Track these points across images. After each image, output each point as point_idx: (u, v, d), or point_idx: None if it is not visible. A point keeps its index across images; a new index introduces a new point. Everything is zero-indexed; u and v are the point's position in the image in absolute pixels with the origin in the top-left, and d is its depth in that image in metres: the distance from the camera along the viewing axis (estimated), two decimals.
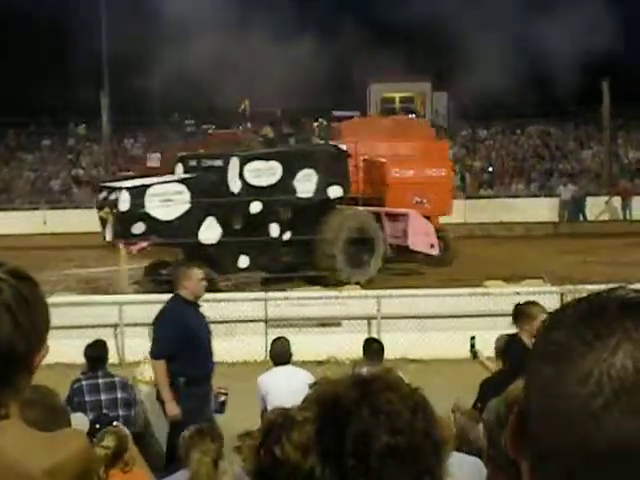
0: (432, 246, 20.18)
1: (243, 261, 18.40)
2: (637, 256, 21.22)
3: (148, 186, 17.64)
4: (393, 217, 20.38)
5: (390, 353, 10.48)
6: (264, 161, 18.58)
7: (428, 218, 20.70)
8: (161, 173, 25.00)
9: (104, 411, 7.60)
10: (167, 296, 14.16)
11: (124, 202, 17.05)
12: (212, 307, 13.81)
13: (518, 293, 13.99)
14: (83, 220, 29.38)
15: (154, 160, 26.25)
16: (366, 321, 13.84)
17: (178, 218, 17.47)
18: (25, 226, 30.73)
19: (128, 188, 17.48)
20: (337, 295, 14.48)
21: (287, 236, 18.81)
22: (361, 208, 20.21)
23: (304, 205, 18.84)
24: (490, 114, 40.39)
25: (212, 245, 18.02)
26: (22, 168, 39.50)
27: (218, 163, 18.56)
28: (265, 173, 18.40)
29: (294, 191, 18.74)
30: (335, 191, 19.33)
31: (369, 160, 21.16)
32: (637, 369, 1.02)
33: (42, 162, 40.16)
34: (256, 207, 18.22)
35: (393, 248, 20.38)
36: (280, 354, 8.67)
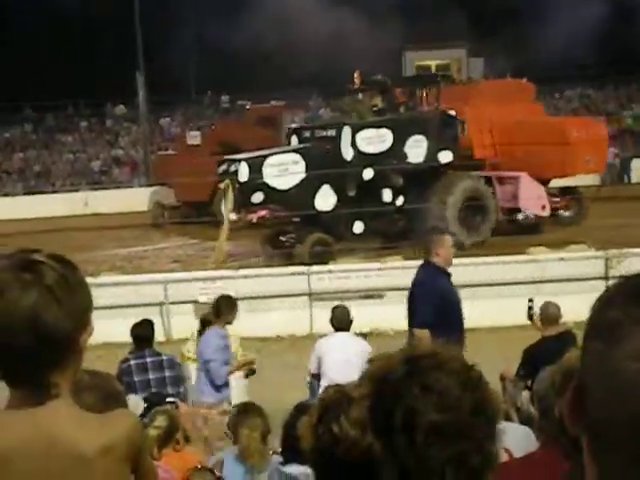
0: (544, 207, 20.42)
1: (358, 227, 18.97)
2: None
3: (266, 157, 18.42)
4: (504, 181, 20.51)
5: None
6: (375, 129, 19.15)
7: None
8: (203, 151, 25.21)
9: (153, 390, 7.66)
10: (217, 272, 14.33)
11: (243, 173, 17.85)
12: (257, 281, 13.95)
13: (563, 259, 13.92)
14: (124, 200, 29.67)
15: (194, 138, 26.32)
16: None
17: (295, 187, 18.31)
18: (66, 208, 30.97)
19: (247, 159, 18.31)
20: (380, 267, 14.44)
21: (400, 202, 19.29)
22: (474, 173, 20.33)
23: (415, 171, 19.24)
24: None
25: (327, 212, 18.78)
26: (61, 151, 39.80)
27: (331, 133, 19.21)
28: (376, 140, 18.93)
29: (405, 157, 19.20)
30: (446, 156, 19.58)
31: (532, 122, 20.94)
32: None
33: (81, 144, 40.44)
34: (368, 174, 18.76)
35: (505, 211, 20.64)
36: (340, 320, 8.80)
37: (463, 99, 20.87)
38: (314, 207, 18.67)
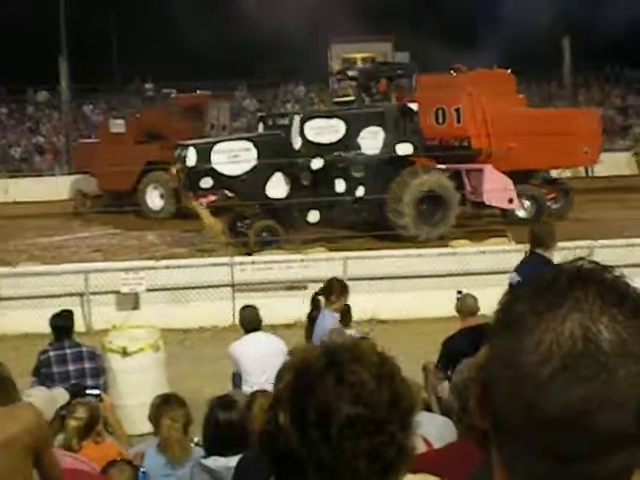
0: (511, 201, 19.96)
1: (313, 216, 18.92)
2: None
3: (215, 143, 18.97)
4: (470, 173, 20.23)
5: (358, 314, 10.54)
6: (326, 119, 19.07)
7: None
8: (127, 139, 24.91)
9: (72, 382, 7.57)
10: (137, 263, 14.18)
11: (191, 158, 18.37)
12: (179, 272, 13.86)
13: (484, 252, 14.13)
14: (45, 188, 29.15)
15: (117, 126, 25.97)
16: None
17: (246, 173, 18.49)
18: None
19: (195, 145, 18.79)
20: (303, 258, 14.47)
21: (359, 193, 19.16)
22: (441, 166, 20.05)
23: (371, 162, 19.10)
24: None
25: (281, 200, 18.85)
26: None
27: (285, 121, 19.31)
28: (327, 131, 18.78)
29: (359, 148, 19.02)
30: (405, 148, 19.35)
31: (535, 112, 21.04)
32: (586, 337, 1.07)
33: (1, 130, 39.59)
34: (317, 163, 18.62)
35: (476, 205, 20.53)
36: (250, 321, 8.68)
37: (456, 87, 20.68)
38: (266, 195, 18.79)
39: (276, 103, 40.41)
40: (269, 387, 5.95)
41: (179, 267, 14.11)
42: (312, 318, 8.72)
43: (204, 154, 18.37)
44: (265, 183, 18.68)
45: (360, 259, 14.26)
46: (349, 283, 13.49)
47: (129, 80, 41.80)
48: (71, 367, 7.87)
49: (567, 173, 24.65)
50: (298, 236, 18.62)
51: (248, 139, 19.36)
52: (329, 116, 19.36)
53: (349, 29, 37.63)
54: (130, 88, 41.48)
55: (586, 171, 29.31)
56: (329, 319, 8.36)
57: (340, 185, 19.02)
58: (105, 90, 40.40)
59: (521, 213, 20.43)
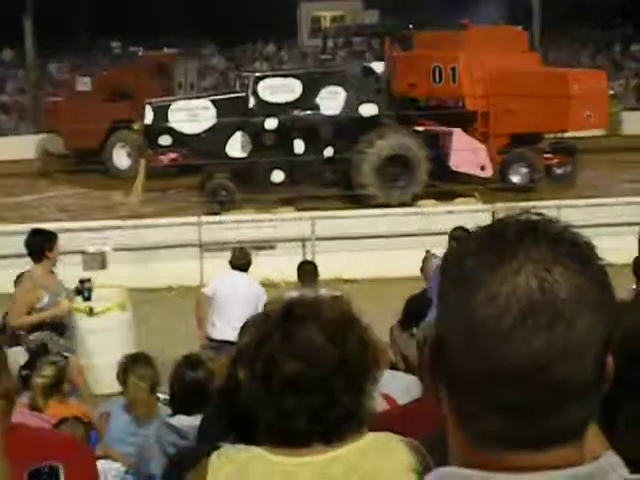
0: (483, 168, 18.82)
1: (277, 176, 18.67)
2: None
3: (172, 101, 19.00)
4: (439, 136, 19.16)
5: (326, 274, 10.56)
6: (281, 78, 18.81)
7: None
8: (93, 97, 24.62)
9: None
10: (103, 222, 14.11)
11: (148, 116, 18.53)
12: (146, 232, 13.80)
13: (451, 212, 14.18)
14: (10, 148, 28.79)
15: (84, 84, 25.63)
16: (301, 243, 13.89)
17: (205, 132, 18.44)
18: None
19: (151, 103, 18.79)
20: (271, 218, 14.47)
21: (327, 153, 18.76)
22: (418, 128, 19.26)
23: (331, 122, 18.66)
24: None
25: (241, 159, 18.70)
26: None
27: (246, 81, 19.11)
28: (281, 90, 18.47)
29: (317, 108, 18.65)
30: (369, 109, 18.88)
31: (531, 72, 19.30)
32: (542, 288, 1.06)
33: None
34: (271, 123, 18.35)
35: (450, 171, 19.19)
36: (238, 257, 9.02)
37: (456, 45, 19.46)
38: (226, 154, 18.68)
39: (244, 62, 40.09)
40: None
41: (146, 227, 14.05)
42: None
43: (161, 112, 18.43)
44: (225, 142, 18.59)
45: (328, 219, 14.27)
46: (317, 243, 13.64)
47: (96, 38, 41.31)
48: None
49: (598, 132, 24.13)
50: (259, 196, 18.36)
51: (206, 97, 19.43)
52: (284, 75, 19.14)
53: None
54: (97, 46, 40.99)
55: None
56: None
57: (299, 146, 18.69)
58: (71, 48, 39.89)
59: (515, 179, 19.31)
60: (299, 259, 10.75)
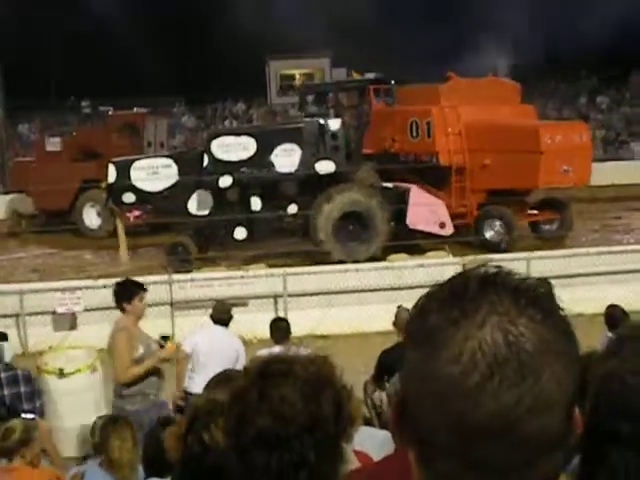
0: (442, 226, 18.28)
1: (240, 233, 18.67)
2: None
3: (134, 160, 19.12)
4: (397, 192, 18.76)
5: (298, 330, 10.52)
6: (235, 136, 18.74)
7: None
8: (63, 157, 24.63)
9: (8, 406, 7.42)
10: (73, 283, 13.99)
11: (111, 174, 18.78)
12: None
13: (422, 266, 14.21)
14: None
15: (54, 144, 25.65)
16: (273, 300, 13.85)
17: (167, 189, 18.62)
18: None
19: (115, 162, 19.02)
20: (243, 275, 14.42)
21: (293, 209, 18.72)
22: (387, 184, 19.03)
23: (288, 180, 18.60)
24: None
25: (205, 217, 18.81)
26: None
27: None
28: (235, 148, 18.45)
29: (272, 166, 18.51)
30: (325, 166, 18.64)
31: (503, 126, 18.67)
32: (507, 341, 1.05)
33: None
34: (226, 181, 18.34)
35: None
36: (220, 311, 9.05)
37: (434, 99, 19.17)
38: (188, 211, 18.79)
39: (215, 120, 40.32)
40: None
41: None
42: None
43: (124, 171, 18.69)
44: (187, 200, 18.71)
45: (300, 275, 14.25)
46: (288, 299, 13.60)
47: (65, 98, 41.43)
48: (6, 391, 7.70)
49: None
50: (220, 253, 18.58)
51: (168, 156, 19.74)
52: (238, 133, 19.09)
53: (287, 45, 37.77)
54: (66, 105, 41.10)
55: None
56: None
57: (256, 203, 18.66)
58: (41, 107, 39.94)
59: (488, 234, 18.82)
60: (271, 316, 10.70)
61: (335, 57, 40.23)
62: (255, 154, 18.47)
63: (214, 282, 14.16)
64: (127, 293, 7.70)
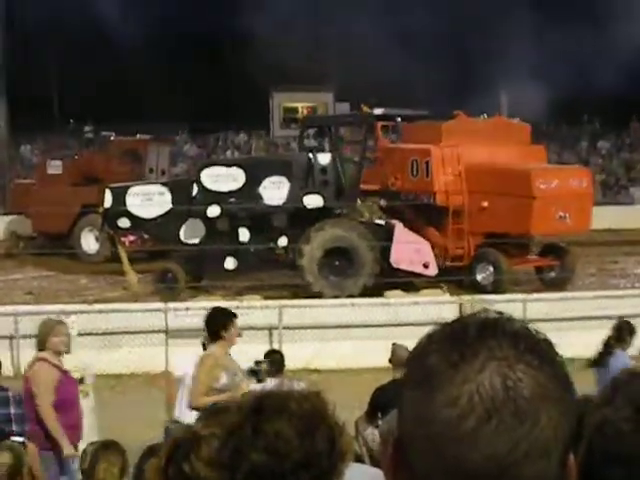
0: (426, 266, 17.92)
1: (229, 263, 18.69)
2: None
3: (130, 186, 19.48)
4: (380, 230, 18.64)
5: (292, 363, 10.49)
6: (225, 167, 18.99)
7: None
8: (64, 181, 24.67)
9: None
10: (68, 307, 13.96)
11: (107, 199, 19.17)
12: (112, 317, 13.68)
13: (417, 303, 14.21)
14: None
15: (55, 167, 25.72)
16: (267, 331, 13.82)
17: (160, 216, 18.89)
18: None
19: (111, 187, 19.47)
20: (238, 305, 14.39)
21: (283, 242, 18.72)
22: (379, 221, 19.01)
23: (275, 212, 18.63)
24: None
25: (196, 245, 19.00)
26: None
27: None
28: (224, 178, 18.57)
29: (260, 198, 18.56)
30: (313, 200, 18.67)
31: (498, 168, 18.34)
32: (506, 386, 1.05)
33: None
34: (214, 211, 18.47)
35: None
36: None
37: (435, 137, 18.85)
38: (180, 239, 18.94)
39: (216, 150, 40.45)
40: None
41: (112, 311, 13.94)
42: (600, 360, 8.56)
43: (120, 196, 19.01)
44: (179, 227, 18.90)
45: (295, 307, 14.23)
46: (283, 332, 13.57)
47: (68, 121, 41.57)
48: None
49: None
50: (213, 282, 18.67)
51: (163, 183, 20.14)
52: (228, 164, 19.43)
53: (291, 78, 37.98)
54: (70, 129, 41.23)
55: None
56: (622, 359, 8.32)
57: (244, 234, 18.69)
58: (44, 130, 40.08)
59: (479, 276, 18.40)
60: (266, 348, 10.68)
61: (340, 91, 40.37)
62: (244, 185, 18.55)
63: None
64: (224, 321, 7.66)
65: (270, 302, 14.71)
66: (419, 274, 18.05)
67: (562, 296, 15.14)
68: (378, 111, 19.79)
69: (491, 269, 18.41)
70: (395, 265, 18.00)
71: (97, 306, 14.41)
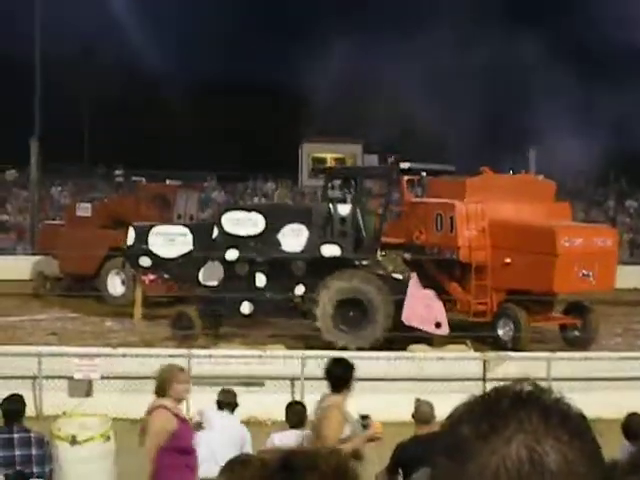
0: (438, 325, 17.69)
1: (246, 307, 18.77)
2: None
3: (154, 225, 19.86)
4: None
5: (313, 415, 10.41)
6: (245, 212, 19.18)
7: None
8: (92, 223, 24.90)
9: (18, 468, 7.39)
10: (92, 349, 14.01)
11: (130, 237, 19.64)
12: (134, 362, 13.68)
13: (442, 358, 14.13)
14: (6, 267, 28.88)
15: (84, 210, 25.97)
16: (290, 382, 13.76)
17: (181, 257, 19.15)
18: None
19: (135, 226, 19.90)
20: (261, 354, 14.38)
21: (300, 290, 18.70)
22: (397, 275, 19.14)
23: (292, 259, 18.62)
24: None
25: (213, 287, 19.13)
26: None
27: None
28: (245, 223, 18.73)
29: (278, 244, 18.63)
30: (330, 250, 18.68)
31: (522, 225, 18.29)
32: (531, 458, 1.06)
33: None
34: (232, 254, 18.62)
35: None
36: (226, 397, 9.08)
37: (460, 193, 18.83)
38: (198, 281, 19.13)
39: (244, 197, 40.72)
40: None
41: (136, 356, 13.95)
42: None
43: (142, 235, 19.39)
44: (199, 269, 19.07)
45: (319, 358, 14.17)
46: (306, 382, 13.51)
47: (99, 165, 42.03)
48: (17, 452, 7.68)
49: None
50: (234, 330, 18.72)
51: (186, 225, 20.60)
52: (249, 209, 19.70)
53: (322, 129, 38.27)
54: (99, 173, 41.68)
55: None
56: None
57: (261, 280, 18.73)
58: (74, 173, 40.55)
59: (501, 332, 18.24)
60: (287, 398, 10.66)
61: (369, 144, 40.61)
62: (263, 231, 18.70)
63: (231, 360, 14.12)
64: (350, 374, 7.79)
65: (293, 352, 14.68)
66: (432, 334, 17.80)
67: (587, 355, 14.99)
68: (404, 165, 19.73)
69: (511, 325, 18.25)
70: (406, 322, 17.78)
71: (121, 350, 14.42)
